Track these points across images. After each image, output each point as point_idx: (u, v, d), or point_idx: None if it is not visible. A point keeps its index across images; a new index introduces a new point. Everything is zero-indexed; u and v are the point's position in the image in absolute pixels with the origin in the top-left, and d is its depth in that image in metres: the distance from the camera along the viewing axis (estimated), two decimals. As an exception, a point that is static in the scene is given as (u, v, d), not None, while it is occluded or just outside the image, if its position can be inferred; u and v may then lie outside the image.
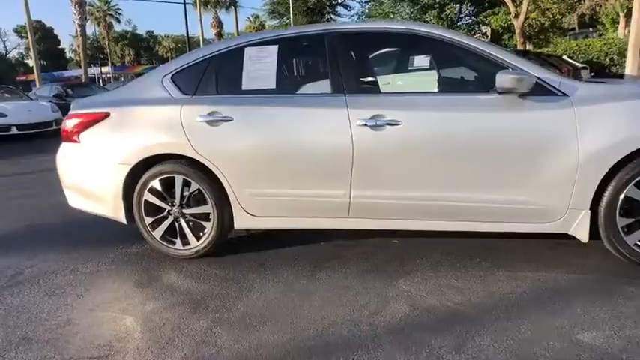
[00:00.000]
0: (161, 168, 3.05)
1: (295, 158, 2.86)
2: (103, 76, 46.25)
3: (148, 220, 3.16)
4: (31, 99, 12.53)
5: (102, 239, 3.60)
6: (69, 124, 3.29)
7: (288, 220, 3.01)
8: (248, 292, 2.65)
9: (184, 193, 3.07)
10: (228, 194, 2.99)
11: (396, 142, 2.73)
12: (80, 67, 34.61)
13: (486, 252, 2.99)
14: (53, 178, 3.39)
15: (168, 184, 3.10)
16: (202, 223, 3.10)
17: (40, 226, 4.03)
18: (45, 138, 10.13)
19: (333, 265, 2.92)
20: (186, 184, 3.05)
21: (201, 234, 3.13)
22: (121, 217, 3.21)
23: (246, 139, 2.92)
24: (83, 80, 25.79)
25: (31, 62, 33.22)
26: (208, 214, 3.07)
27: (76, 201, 3.41)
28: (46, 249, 3.46)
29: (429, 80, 3.03)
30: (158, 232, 3.16)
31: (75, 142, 3.26)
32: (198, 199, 3.09)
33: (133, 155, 3.05)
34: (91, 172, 3.21)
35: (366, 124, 2.75)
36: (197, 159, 2.97)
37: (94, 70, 44.05)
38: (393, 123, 2.72)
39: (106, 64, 48.43)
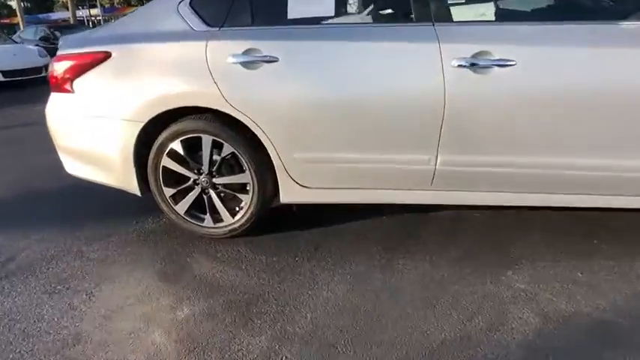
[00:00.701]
0: (182, 126, 2.34)
1: (363, 112, 2.15)
2: (92, 18, 43.96)
3: (169, 192, 2.49)
4: (16, 42, 11.48)
5: (109, 210, 2.94)
6: (58, 68, 2.53)
7: (350, 193, 2.34)
8: (311, 290, 2.03)
9: (214, 158, 2.38)
10: (273, 159, 2.30)
11: (506, 89, 2.01)
12: (67, 9, 32.59)
13: (597, 229, 2.35)
14: (45, 132, 2.69)
15: (192, 147, 2.39)
16: (238, 195, 2.43)
17: (32, 194, 3.36)
18: (34, 86, 9.19)
19: (410, 250, 2.29)
20: (216, 146, 2.35)
21: (237, 209, 2.48)
22: (132, 187, 2.53)
23: (296, 85, 2.19)
24: (71, 22, 24.24)
25: (13, 4, 31.16)
26: (245, 184, 2.40)
27: (74, 167, 2.71)
28: (42, 225, 2.81)
29: (553, 5, 2.27)
30: (182, 207, 2.50)
31: (67, 91, 2.51)
32: (233, 166, 2.41)
33: (145, 109, 2.33)
34: (91, 131, 2.49)
35: (464, 65, 2.01)
36: (230, 113, 2.24)
37: (82, 13, 41.76)
38: (503, 63, 1.98)
39: (94, 6, 45.97)
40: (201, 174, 2.42)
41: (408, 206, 2.51)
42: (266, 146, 2.27)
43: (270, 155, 2.29)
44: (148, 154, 2.45)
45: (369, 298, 1.94)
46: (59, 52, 2.58)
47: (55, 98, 2.59)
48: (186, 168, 2.43)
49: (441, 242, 2.34)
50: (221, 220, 2.49)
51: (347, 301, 1.93)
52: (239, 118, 2.25)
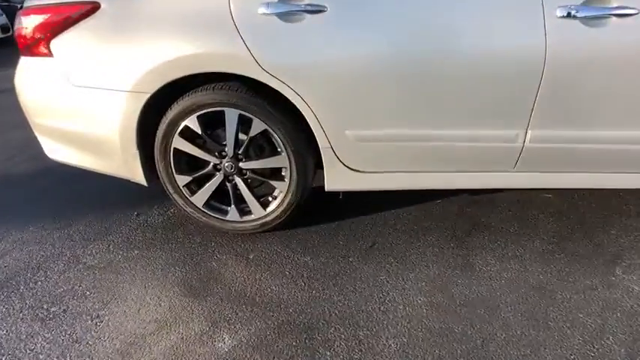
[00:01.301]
0: (200, 98, 1.83)
1: (438, 75, 1.68)
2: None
3: (183, 180, 2.01)
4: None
5: (105, 200, 2.44)
6: (27, 25, 1.95)
7: (414, 178, 1.91)
8: (382, 304, 1.62)
9: (240, 138, 1.91)
10: (317, 138, 1.84)
11: (624, 46, 1.59)
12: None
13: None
14: (12, 101, 2.14)
15: (212, 124, 1.91)
16: (271, 182, 1.99)
17: (7, 181, 2.81)
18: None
19: (485, 244, 1.90)
20: (243, 122, 1.87)
21: (269, 199, 2.04)
22: (136, 175, 2.03)
23: (351, 42, 1.69)
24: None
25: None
26: (280, 169, 1.95)
27: (56, 151, 2.18)
28: (22, 221, 2.30)
29: None
30: (200, 198, 2.04)
31: (43, 54, 1.95)
32: (263, 147, 1.95)
33: (150, 78, 1.79)
34: (79, 106, 1.96)
35: (571, 16, 1.57)
36: (262, 80, 1.75)
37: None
38: (623, 12, 1.56)
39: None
40: (223, 157, 1.95)
41: (464, 189, 2.11)
42: (309, 121, 1.80)
43: (315, 133, 1.82)
44: (155, 134, 1.96)
45: (460, 315, 1.55)
46: (27, 4, 2.00)
47: (26, 64, 2.02)
48: (205, 150, 1.95)
49: (518, 232, 1.96)
50: (249, 213, 2.04)
51: (433, 319, 1.54)
52: (274, 87, 1.75)
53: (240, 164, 1.94)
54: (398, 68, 1.69)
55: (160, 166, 1.99)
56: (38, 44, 1.94)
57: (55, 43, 1.90)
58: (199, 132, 1.89)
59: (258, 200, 2.00)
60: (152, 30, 1.79)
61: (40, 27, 1.92)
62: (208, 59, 1.75)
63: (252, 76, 1.75)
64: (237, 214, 2.03)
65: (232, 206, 2.02)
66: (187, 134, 1.92)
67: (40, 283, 1.85)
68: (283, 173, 1.95)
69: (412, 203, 2.21)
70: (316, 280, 1.76)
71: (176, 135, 1.91)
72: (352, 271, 1.80)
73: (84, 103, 1.94)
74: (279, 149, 1.90)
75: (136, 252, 2.02)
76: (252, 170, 1.95)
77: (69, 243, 2.11)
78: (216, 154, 1.94)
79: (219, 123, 1.89)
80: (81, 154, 2.10)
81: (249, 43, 1.70)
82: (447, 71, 1.66)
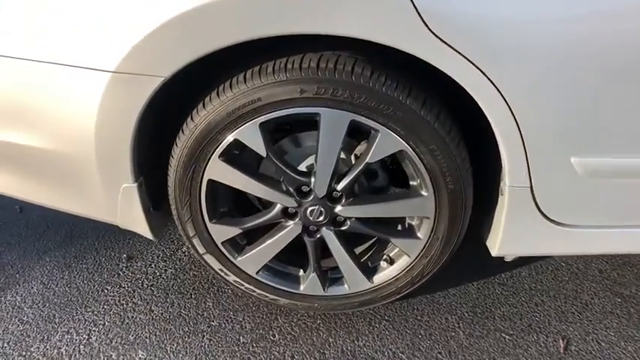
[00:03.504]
0: (272, 88, 0.87)
1: None
2: None
3: (224, 233, 1.09)
4: None
5: (69, 229, 1.51)
6: None
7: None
8: None
9: (339, 166, 1.00)
10: (507, 168, 0.92)
11: None
12: None
13: None
14: None
15: (281, 141, 1.01)
16: (393, 240, 1.09)
17: None
18: None
19: None
20: (351, 135, 0.97)
21: (380, 263, 1.17)
22: (134, 222, 1.11)
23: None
24: None
25: None
26: (404, 218, 1.08)
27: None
28: None
29: None
30: (254, 260, 1.12)
31: None
32: (378, 179, 1.06)
33: (166, 44, 0.82)
34: (14, 94, 0.98)
35: None
36: (419, 53, 0.81)
37: None
38: None
39: None
40: (304, 196, 1.04)
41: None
42: (499, 138, 0.89)
43: (505, 160, 0.92)
44: (168, 154, 1.01)
45: None
46: None
47: None
48: (269, 185, 1.04)
49: None
50: (339, 283, 1.17)
51: None
52: (441, 67, 0.82)
53: (338, 208, 1.04)
54: None
55: (178, 209, 1.06)
56: None
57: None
58: (262, 151, 0.96)
59: (361, 266, 1.13)
60: None
61: None
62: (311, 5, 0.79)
63: (402, 45, 0.81)
64: (320, 285, 1.16)
65: (313, 273, 1.14)
66: (235, 155, 0.99)
67: None
68: (414, 224, 1.08)
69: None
70: None
71: (214, 156, 0.97)
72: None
73: (24, 90, 0.95)
74: (416, 182, 1.01)
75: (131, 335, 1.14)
76: (360, 220, 1.06)
77: (75, 314, 1.20)
78: (290, 190, 1.03)
79: (299, 140, 0.98)
80: (24, 180, 1.13)
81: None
82: None
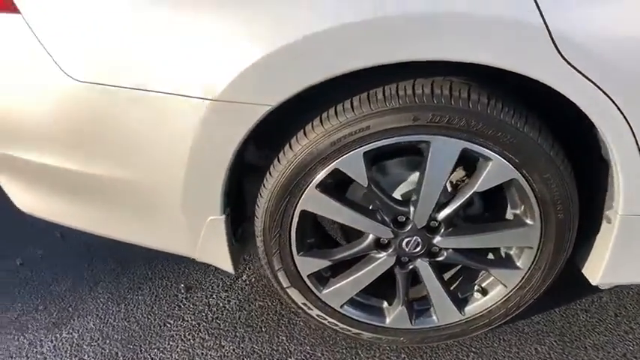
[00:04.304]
0: (384, 117, 0.82)
1: None
2: None
3: (311, 266, 1.02)
4: None
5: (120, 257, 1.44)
6: None
7: None
8: None
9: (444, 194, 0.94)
10: (620, 194, 0.88)
11: None
12: None
13: None
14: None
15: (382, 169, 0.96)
16: (492, 271, 1.04)
17: None
18: None
19: None
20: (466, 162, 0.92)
21: (472, 293, 1.11)
22: (213, 256, 1.04)
23: None
24: None
25: None
26: (497, 248, 1.03)
27: (39, 200, 1.11)
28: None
29: None
30: (340, 293, 1.05)
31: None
32: (474, 208, 1.01)
33: (277, 72, 0.77)
34: (86, 121, 0.91)
35: None
36: (548, 79, 0.76)
37: None
38: None
39: None
40: (401, 227, 0.99)
41: None
42: (619, 164, 0.84)
43: (620, 185, 0.86)
44: (258, 184, 0.96)
45: None
46: None
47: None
48: (365, 214, 0.98)
49: None
50: (425, 315, 1.11)
51: None
52: (568, 95, 0.77)
53: (437, 239, 0.98)
54: None
55: (266, 242, 0.99)
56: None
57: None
58: (364, 181, 0.91)
59: (452, 297, 1.08)
60: None
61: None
62: (452, 29, 0.74)
63: (531, 72, 0.77)
64: (408, 318, 1.10)
65: (402, 306, 1.08)
66: (331, 185, 0.94)
67: None
68: (512, 253, 1.03)
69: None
70: None
71: (311, 186, 0.92)
72: None
73: (98, 117, 0.89)
74: (518, 211, 0.96)
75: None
76: (457, 250, 1.01)
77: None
78: (386, 220, 0.97)
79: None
80: (96, 212, 1.06)
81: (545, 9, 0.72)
82: None
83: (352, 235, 1.10)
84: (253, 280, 1.37)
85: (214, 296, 1.32)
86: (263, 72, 0.78)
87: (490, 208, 1.05)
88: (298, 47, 0.75)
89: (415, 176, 0.99)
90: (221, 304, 1.30)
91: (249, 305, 1.29)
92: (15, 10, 0.83)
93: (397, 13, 0.73)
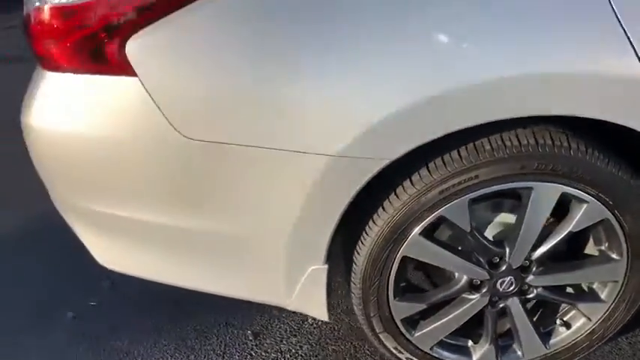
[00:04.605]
0: (497, 165, 0.86)
1: None
2: None
3: (405, 310, 1.04)
4: None
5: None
6: (57, 12, 0.85)
7: None
8: None
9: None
10: None
11: None
12: None
13: None
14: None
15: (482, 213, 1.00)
16: (579, 306, 1.09)
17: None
18: None
19: None
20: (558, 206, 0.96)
21: (554, 327, 1.14)
22: (307, 305, 1.04)
23: None
24: None
25: None
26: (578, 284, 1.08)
27: (124, 256, 1.10)
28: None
29: None
30: (431, 335, 1.07)
31: (105, 70, 0.85)
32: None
33: (400, 125, 0.80)
34: (198, 178, 0.92)
35: None
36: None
37: None
38: None
39: None
40: (495, 268, 1.02)
41: None
42: None
43: None
44: (353, 233, 0.98)
45: None
46: None
47: (59, 88, 0.90)
48: (463, 257, 1.01)
49: None
50: (509, 351, 1.14)
51: None
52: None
53: (530, 278, 1.02)
54: None
55: (364, 289, 1.01)
56: (95, 47, 0.85)
57: (138, 46, 0.83)
58: (467, 226, 0.95)
59: (538, 332, 1.11)
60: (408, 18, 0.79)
61: (99, 14, 0.83)
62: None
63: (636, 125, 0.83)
64: (495, 356, 1.12)
65: (490, 345, 1.11)
66: (433, 232, 0.97)
67: None
68: (595, 287, 1.07)
69: None
70: None
71: (414, 233, 0.95)
72: None
73: (208, 174, 0.90)
74: (603, 247, 1.02)
75: None
76: (547, 287, 1.05)
77: None
78: (482, 261, 1.01)
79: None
80: (181, 264, 1.06)
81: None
82: None
83: (436, 277, 1.14)
84: (320, 322, 1.37)
85: (285, 342, 1.32)
86: (389, 128, 0.81)
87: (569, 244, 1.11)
88: (424, 105, 0.80)
89: (502, 217, 1.03)
90: (293, 350, 1.29)
91: (323, 350, 1.29)
92: (133, 73, 0.85)
93: (537, 71, 0.78)
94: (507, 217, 1.04)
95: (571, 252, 1.10)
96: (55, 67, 0.90)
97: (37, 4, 0.86)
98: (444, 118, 0.81)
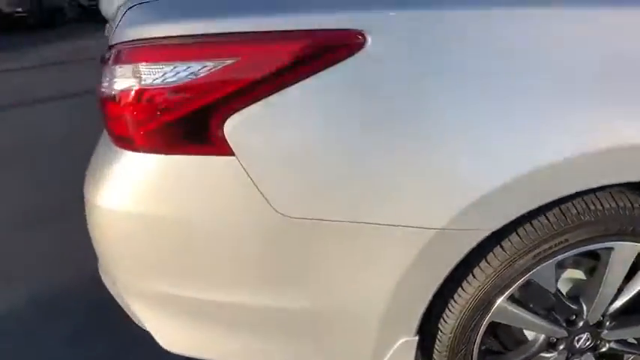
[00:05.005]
0: (587, 227, 0.89)
1: None
2: None
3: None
4: None
5: None
6: (152, 81, 0.81)
7: None
8: None
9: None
10: None
11: None
12: None
13: None
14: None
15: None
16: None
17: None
18: None
19: None
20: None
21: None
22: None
23: None
24: None
25: None
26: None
27: (198, 341, 1.02)
28: None
29: None
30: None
31: (198, 150, 0.82)
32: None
33: (513, 195, 0.81)
34: (295, 256, 0.88)
35: None
36: None
37: None
38: None
39: None
40: (573, 325, 1.04)
41: None
42: None
43: None
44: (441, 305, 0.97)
45: None
46: (133, 34, 0.86)
47: (143, 168, 0.85)
48: (543, 317, 1.02)
49: None
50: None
51: None
52: None
53: (605, 333, 1.05)
54: None
55: (450, 357, 1.00)
56: (192, 128, 0.83)
57: (237, 126, 0.81)
58: (552, 287, 0.97)
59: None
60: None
61: (199, 88, 0.81)
62: None
63: None
64: (568, 416, 1.13)
65: (563, 402, 1.12)
66: (521, 296, 0.99)
67: None
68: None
69: None
70: None
71: (502, 298, 0.96)
72: None
73: (302, 251, 0.88)
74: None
75: None
76: (619, 341, 1.08)
77: None
78: (559, 320, 1.03)
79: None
80: (257, 344, 1.00)
81: None
82: None
83: (504, 336, 1.14)
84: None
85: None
86: (493, 201, 0.83)
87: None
88: (526, 178, 0.82)
89: (569, 272, 1.07)
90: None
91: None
92: (231, 153, 0.82)
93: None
94: (574, 273, 1.08)
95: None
96: (139, 148, 0.86)
97: (127, 85, 0.83)
98: (550, 187, 0.84)
